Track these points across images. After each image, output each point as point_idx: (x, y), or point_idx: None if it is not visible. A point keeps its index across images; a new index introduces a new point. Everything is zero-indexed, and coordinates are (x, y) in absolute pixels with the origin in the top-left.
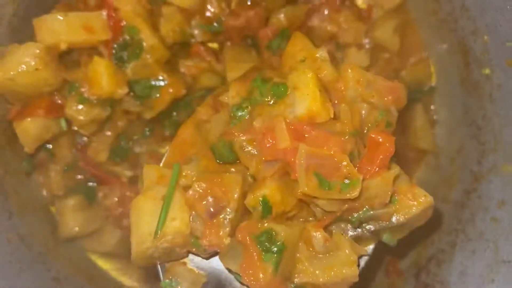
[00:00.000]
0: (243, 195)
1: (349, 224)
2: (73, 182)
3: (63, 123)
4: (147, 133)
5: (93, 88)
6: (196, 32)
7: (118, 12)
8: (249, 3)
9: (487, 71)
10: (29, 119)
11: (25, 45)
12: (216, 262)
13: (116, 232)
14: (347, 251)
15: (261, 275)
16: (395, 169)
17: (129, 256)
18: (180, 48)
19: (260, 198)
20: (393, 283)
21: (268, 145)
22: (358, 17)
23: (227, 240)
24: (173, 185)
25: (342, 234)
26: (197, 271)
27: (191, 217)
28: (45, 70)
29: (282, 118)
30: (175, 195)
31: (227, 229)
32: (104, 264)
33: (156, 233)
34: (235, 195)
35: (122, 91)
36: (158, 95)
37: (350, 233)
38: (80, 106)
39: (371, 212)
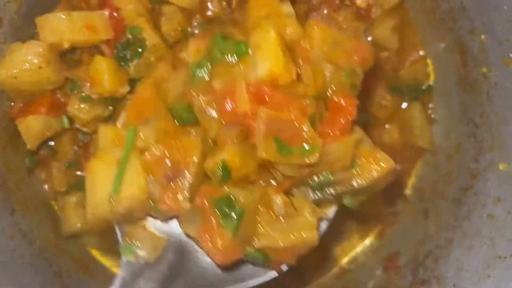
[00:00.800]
0: (203, 159)
1: (310, 188)
2: (75, 179)
3: (65, 121)
4: None
5: (95, 86)
6: (196, 31)
7: (120, 11)
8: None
9: (484, 70)
10: (31, 116)
11: (28, 43)
12: (177, 225)
13: None
14: (307, 214)
15: (219, 240)
16: (357, 133)
17: None
18: (182, 46)
19: (219, 163)
20: (390, 279)
21: (228, 107)
22: (357, 16)
23: (186, 205)
24: (128, 148)
25: (303, 197)
26: (157, 234)
27: (148, 181)
28: (47, 68)
29: (243, 79)
30: (131, 159)
31: (186, 193)
32: (105, 260)
33: (112, 198)
34: (195, 159)
35: (124, 89)
36: None
37: (311, 196)
38: (82, 105)
39: (332, 176)
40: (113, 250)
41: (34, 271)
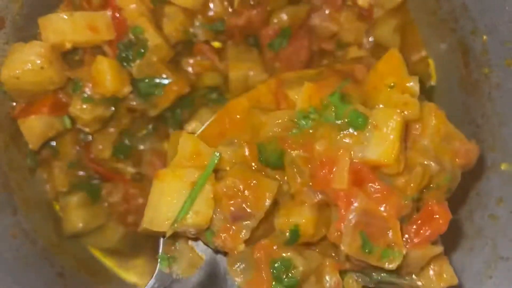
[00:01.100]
0: (273, 204)
1: (367, 277)
2: (77, 179)
3: (67, 121)
4: (151, 130)
5: (96, 87)
6: (198, 31)
7: (122, 12)
8: (251, 2)
9: (486, 70)
10: (33, 116)
11: (30, 43)
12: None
13: (119, 229)
14: None
15: None
16: (439, 249)
17: (133, 252)
18: (184, 47)
19: (292, 226)
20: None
21: (322, 175)
22: (359, 16)
23: (241, 247)
24: (206, 176)
25: (355, 281)
26: (197, 252)
27: (213, 212)
28: (49, 69)
29: (349, 154)
30: (204, 186)
31: (245, 236)
32: (107, 260)
33: (175, 222)
34: (266, 204)
35: (126, 89)
36: (162, 93)
37: (364, 283)
38: (84, 105)
39: (395, 279)
40: (115, 250)
41: (37, 271)
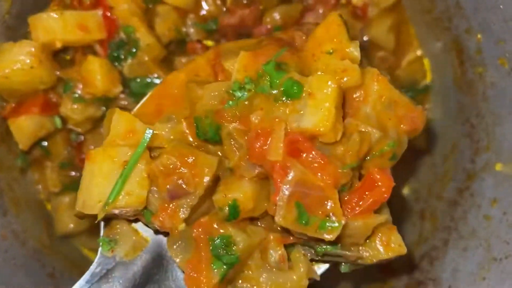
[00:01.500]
0: (213, 181)
1: (312, 249)
2: (69, 179)
3: (57, 121)
4: None
5: (87, 86)
6: (191, 30)
7: (113, 11)
8: (244, 1)
9: (480, 69)
10: (23, 116)
11: (20, 42)
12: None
13: None
14: (300, 274)
15: (204, 281)
16: (384, 217)
17: None
18: (176, 46)
19: (230, 202)
20: (386, 280)
21: (257, 148)
22: (353, 15)
23: (181, 226)
24: (138, 155)
25: (302, 254)
26: (141, 234)
27: (149, 192)
28: (39, 68)
29: (284, 124)
30: (138, 164)
31: (184, 215)
32: None
33: (106, 204)
34: (205, 181)
35: (117, 89)
36: None
37: (310, 255)
38: (75, 105)
39: (340, 249)
40: None
41: (27, 272)
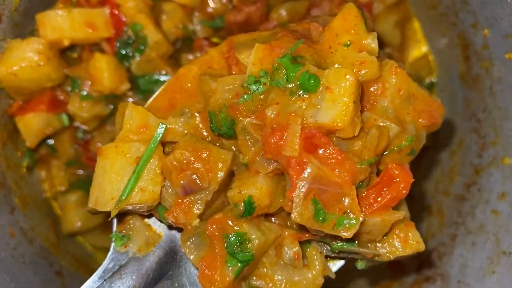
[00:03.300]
0: (228, 175)
1: (328, 246)
2: (75, 177)
3: (65, 119)
4: None
5: (94, 84)
6: (198, 28)
7: (121, 8)
8: None
9: (487, 64)
10: (31, 114)
11: (27, 40)
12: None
13: None
14: (316, 270)
15: (218, 279)
16: (402, 213)
17: None
18: (183, 43)
19: (245, 198)
20: (394, 276)
21: (273, 143)
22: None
23: (194, 222)
24: (151, 151)
25: (318, 252)
26: (154, 229)
27: (163, 186)
28: (47, 66)
29: (300, 119)
30: (151, 160)
31: (198, 210)
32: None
33: (119, 201)
34: (219, 176)
35: (124, 87)
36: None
37: (327, 252)
38: (83, 103)
39: (356, 246)
40: None
41: (35, 270)
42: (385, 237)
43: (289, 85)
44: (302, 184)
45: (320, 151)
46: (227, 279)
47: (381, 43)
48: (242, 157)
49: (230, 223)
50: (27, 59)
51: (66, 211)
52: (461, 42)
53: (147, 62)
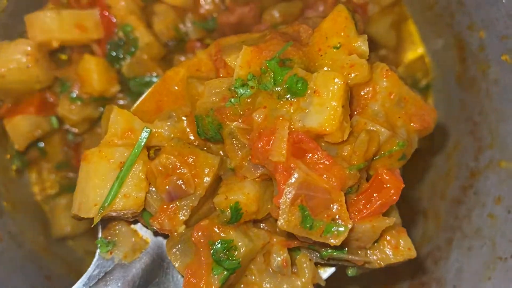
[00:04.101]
0: (215, 180)
1: (318, 253)
2: (66, 180)
3: (54, 121)
4: None
5: (84, 86)
6: (190, 29)
7: (111, 10)
8: None
9: (483, 66)
10: (19, 116)
11: (16, 41)
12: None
13: None
14: (305, 277)
15: (203, 287)
16: (392, 219)
17: None
18: (176, 44)
19: (232, 204)
20: (389, 281)
21: (260, 147)
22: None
23: (180, 229)
24: (135, 156)
25: (307, 259)
26: (140, 235)
27: (148, 192)
28: (36, 67)
29: (287, 123)
30: (135, 165)
31: (184, 217)
32: None
33: (102, 207)
34: (205, 182)
35: (114, 89)
36: None
37: (316, 259)
38: (73, 106)
39: (346, 253)
40: None
41: (24, 274)
42: (375, 244)
43: (276, 89)
44: (289, 190)
45: (308, 156)
46: (213, 287)
47: (376, 45)
48: (229, 162)
49: (216, 230)
50: (15, 61)
51: (56, 214)
52: (457, 44)
53: (138, 64)
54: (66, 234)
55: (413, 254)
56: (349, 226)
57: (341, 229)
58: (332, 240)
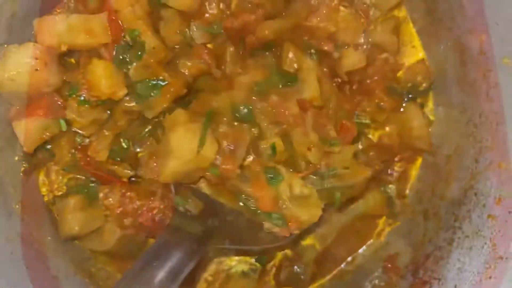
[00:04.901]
0: (250, 142)
1: (316, 177)
2: (73, 182)
3: (62, 124)
4: (148, 132)
5: (92, 90)
6: (196, 34)
7: (119, 14)
8: (249, 5)
9: (484, 70)
10: (28, 119)
11: (25, 45)
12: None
13: (116, 231)
14: (315, 198)
15: (266, 194)
16: (356, 146)
17: (129, 255)
18: (182, 48)
19: (271, 144)
20: (390, 280)
21: (280, 112)
22: (356, 17)
23: (238, 170)
24: (208, 121)
25: (313, 187)
26: (195, 199)
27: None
28: (44, 71)
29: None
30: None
31: (238, 162)
32: (103, 263)
33: (198, 150)
34: (246, 141)
35: (121, 92)
36: (159, 94)
37: (317, 186)
38: (81, 108)
39: (334, 171)
40: (111, 253)
41: (32, 274)
42: (351, 168)
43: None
44: (308, 120)
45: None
46: (272, 192)
47: (378, 49)
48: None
49: (265, 163)
50: (24, 65)
51: (64, 215)
52: (458, 47)
53: (144, 68)
54: (74, 235)
55: (368, 173)
56: (338, 139)
57: (337, 142)
58: (335, 149)
